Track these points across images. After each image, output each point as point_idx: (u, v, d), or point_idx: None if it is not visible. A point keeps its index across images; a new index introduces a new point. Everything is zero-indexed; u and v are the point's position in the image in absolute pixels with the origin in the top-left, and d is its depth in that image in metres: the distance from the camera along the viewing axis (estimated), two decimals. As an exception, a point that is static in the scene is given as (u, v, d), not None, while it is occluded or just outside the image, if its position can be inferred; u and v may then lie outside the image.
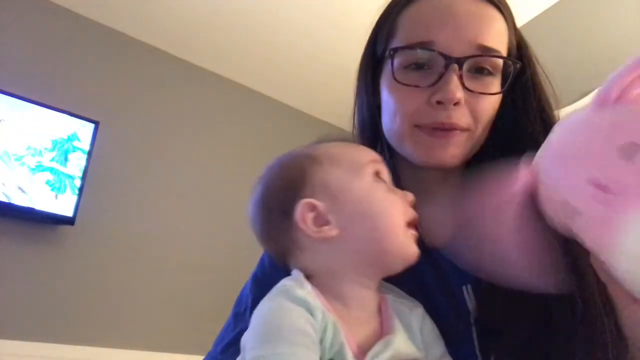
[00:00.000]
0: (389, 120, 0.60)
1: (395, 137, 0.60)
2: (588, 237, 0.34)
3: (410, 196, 0.52)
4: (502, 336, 0.51)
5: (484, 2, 0.57)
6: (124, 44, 2.54)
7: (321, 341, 0.42)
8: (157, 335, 2.28)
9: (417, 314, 0.51)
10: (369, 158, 0.53)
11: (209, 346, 0.63)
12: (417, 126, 0.57)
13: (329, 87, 2.87)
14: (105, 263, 2.24)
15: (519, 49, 0.63)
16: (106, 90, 2.43)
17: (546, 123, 0.61)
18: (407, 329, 0.49)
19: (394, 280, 0.53)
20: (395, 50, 0.58)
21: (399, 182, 0.60)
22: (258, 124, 2.95)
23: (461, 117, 0.56)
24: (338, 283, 0.49)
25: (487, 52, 0.56)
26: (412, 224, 0.50)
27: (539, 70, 0.64)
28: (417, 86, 0.56)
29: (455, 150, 0.57)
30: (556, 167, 0.36)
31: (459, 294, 0.56)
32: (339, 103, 2.94)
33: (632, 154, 0.30)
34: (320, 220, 0.50)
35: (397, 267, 0.50)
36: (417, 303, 0.53)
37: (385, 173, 0.53)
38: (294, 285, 0.46)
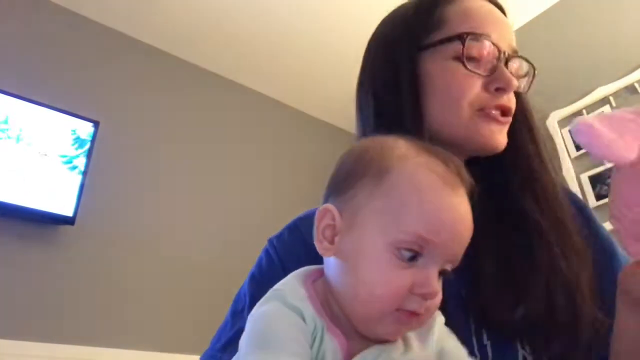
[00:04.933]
0: (447, 108, 0.62)
1: (454, 125, 0.61)
2: None
3: (428, 291, 0.42)
4: (492, 314, 0.54)
5: None
6: (124, 44, 2.54)
7: (311, 347, 0.42)
8: (157, 335, 2.27)
9: (437, 323, 0.48)
10: (416, 229, 0.42)
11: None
12: (479, 110, 0.61)
13: (329, 87, 2.87)
14: (105, 263, 2.24)
15: None
16: (106, 90, 2.43)
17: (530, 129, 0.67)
18: (417, 337, 0.46)
19: None
20: (468, 34, 0.60)
21: None
22: (258, 123, 2.95)
23: (513, 103, 0.62)
24: (330, 297, 0.46)
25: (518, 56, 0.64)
26: (408, 311, 0.43)
27: None
28: (479, 74, 0.60)
29: (505, 137, 0.62)
30: None
31: (458, 277, 0.54)
32: (339, 103, 2.94)
33: None
34: (329, 233, 0.46)
35: (363, 333, 0.44)
36: (438, 312, 0.48)
37: (432, 256, 0.43)
38: (289, 291, 0.45)
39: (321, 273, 0.49)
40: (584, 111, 2.04)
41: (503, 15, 0.65)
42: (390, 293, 0.42)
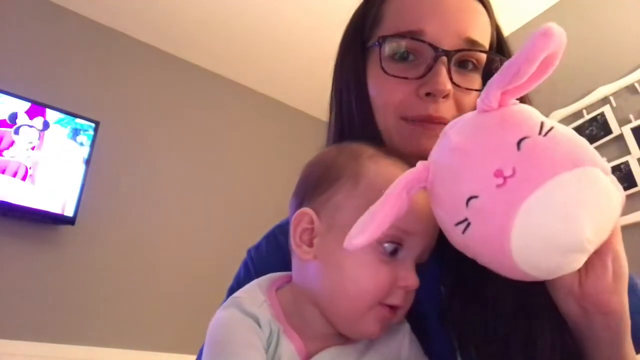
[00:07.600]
0: (378, 114, 0.58)
1: (387, 131, 0.57)
2: (481, 227, 0.36)
3: (411, 283, 0.44)
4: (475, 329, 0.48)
5: None
6: (124, 44, 2.54)
7: (267, 351, 0.43)
8: (157, 335, 2.27)
9: (403, 330, 0.48)
10: (397, 222, 0.43)
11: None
12: (403, 118, 0.55)
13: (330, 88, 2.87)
14: (105, 263, 2.24)
15: (499, 47, 0.62)
16: (106, 90, 2.43)
17: None
18: (381, 343, 0.46)
19: None
20: (385, 38, 0.56)
21: None
22: (258, 123, 2.95)
23: (448, 110, 0.54)
24: (301, 302, 0.47)
25: (475, 46, 0.55)
26: (387, 305, 0.44)
27: None
28: (405, 77, 0.54)
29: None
30: (458, 160, 0.38)
31: (435, 292, 0.52)
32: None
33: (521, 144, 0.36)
34: (307, 236, 0.47)
35: (345, 333, 0.46)
36: (403, 319, 0.49)
37: (411, 247, 0.45)
38: (248, 298, 0.46)
39: (288, 279, 0.50)
40: (584, 111, 2.04)
41: (457, 1, 0.56)
42: (377, 286, 0.43)
